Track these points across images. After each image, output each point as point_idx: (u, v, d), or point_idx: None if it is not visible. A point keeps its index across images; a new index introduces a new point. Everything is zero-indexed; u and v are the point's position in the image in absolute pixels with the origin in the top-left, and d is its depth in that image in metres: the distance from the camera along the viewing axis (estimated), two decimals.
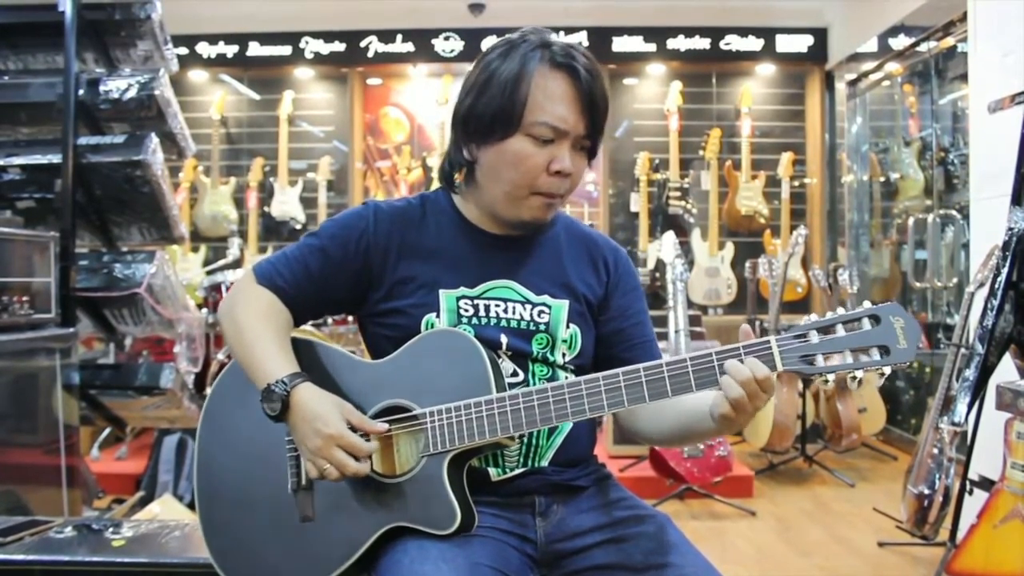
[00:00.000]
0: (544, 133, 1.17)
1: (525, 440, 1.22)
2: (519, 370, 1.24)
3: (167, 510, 2.80)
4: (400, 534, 1.14)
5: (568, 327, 1.27)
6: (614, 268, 1.35)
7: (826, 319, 1.06)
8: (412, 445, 1.17)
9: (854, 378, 4.10)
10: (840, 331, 1.05)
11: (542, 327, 1.25)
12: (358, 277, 1.25)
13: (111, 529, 1.68)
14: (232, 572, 1.24)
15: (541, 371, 1.25)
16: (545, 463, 1.24)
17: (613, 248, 1.38)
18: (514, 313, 1.24)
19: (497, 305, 1.24)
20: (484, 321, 1.23)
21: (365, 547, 1.15)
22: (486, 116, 1.19)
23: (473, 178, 1.26)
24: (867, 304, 1.07)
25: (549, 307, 1.26)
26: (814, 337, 1.05)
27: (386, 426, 1.15)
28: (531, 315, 1.25)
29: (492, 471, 1.22)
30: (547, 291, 1.27)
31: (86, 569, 1.54)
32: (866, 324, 1.05)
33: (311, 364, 1.23)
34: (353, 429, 1.13)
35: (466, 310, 1.23)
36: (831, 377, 1.04)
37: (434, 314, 1.22)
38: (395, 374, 1.20)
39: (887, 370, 1.08)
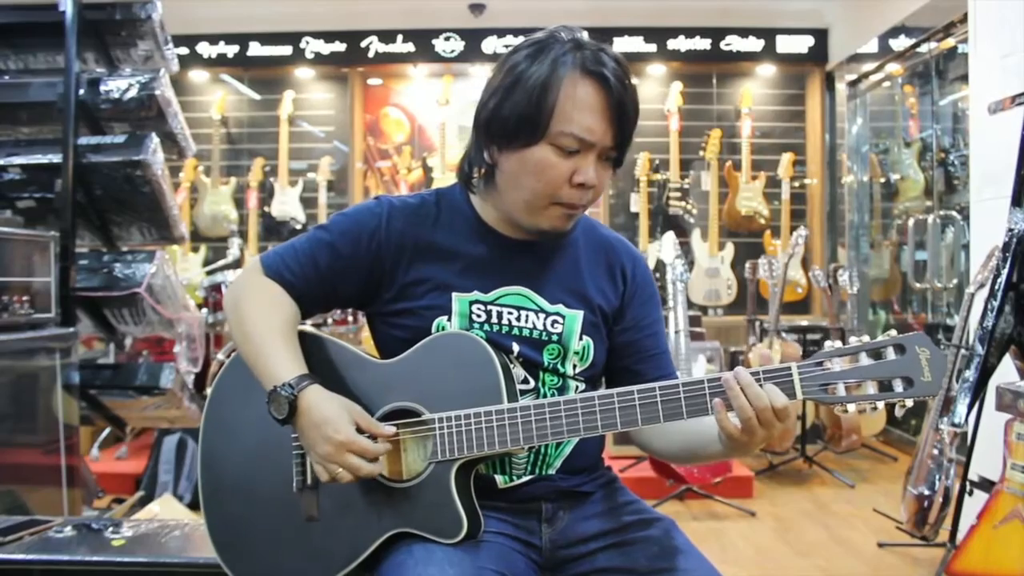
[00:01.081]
0: (569, 144, 1.12)
1: (534, 448, 1.20)
2: (530, 377, 1.22)
3: (167, 510, 2.80)
4: (404, 535, 1.13)
5: (581, 339, 1.24)
6: (631, 277, 1.31)
7: (849, 347, 1.04)
8: (420, 450, 1.16)
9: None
10: (863, 359, 1.03)
11: (555, 337, 1.22)
12: (368, 275, 1.22)
13: (111, 529, 1.67)
14: (235, 567, 1.24)
15: (551, 380, 1.23)
16: (553, 471, 1.23)
17: (632, 255, 1.33)
18: (527, 322, 1.21)
19: (510, 312, 1.21)
20: (496, 328, 1.20)
21: (369, 551, 1.15)
22: (510, 121, 1.13)
23: (492, 181, 1.21)
24: (892, 333, 1.04)
25: (563, 317, 1.23)
26: (836, 365, 1.03)
27: (394, 430, 1.14)
28: (544, 325, 1.22)
29: (499, 478, 1.20)
30: (561, 300, 1.23)
31: (86, 569, 1.53)
32: (890, 353, 1.03)
33: (319, 360, 1.21)
34: (361, 431, 1.11)
35: (478, 315, 1.20)
36: (852, 407, 1.04)
37: (445, 317, 1.20)
38: (405, 375, 1.18)
39: (909, 403, 1.06)
